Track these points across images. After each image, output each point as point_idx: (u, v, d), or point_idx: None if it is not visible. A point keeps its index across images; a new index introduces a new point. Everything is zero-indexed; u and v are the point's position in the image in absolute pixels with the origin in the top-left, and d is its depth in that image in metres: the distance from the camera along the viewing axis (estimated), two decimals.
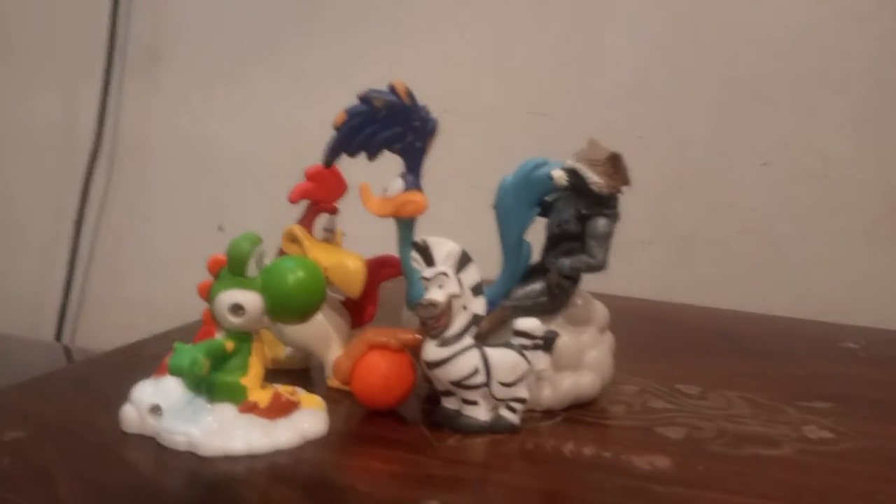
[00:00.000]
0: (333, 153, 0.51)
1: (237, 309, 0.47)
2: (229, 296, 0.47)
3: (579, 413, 0.53)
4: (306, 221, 0.56)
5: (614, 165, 0.49)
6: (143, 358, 0.62)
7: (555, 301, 0.53)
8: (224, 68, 1.15)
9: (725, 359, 0.65)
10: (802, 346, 0.69)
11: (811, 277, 0.90)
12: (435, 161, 1.08)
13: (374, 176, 0.54)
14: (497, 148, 1.01)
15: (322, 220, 0.56)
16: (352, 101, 1.12)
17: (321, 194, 0.55)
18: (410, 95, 0.51)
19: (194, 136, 1.20)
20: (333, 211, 0.56)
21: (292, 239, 0.55)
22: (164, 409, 0.48)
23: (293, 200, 0.55)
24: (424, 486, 0.43)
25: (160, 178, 1.23)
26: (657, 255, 0.94)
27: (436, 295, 0.48)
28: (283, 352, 0.59)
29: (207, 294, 0.48)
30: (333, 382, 0.56)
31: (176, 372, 0.45)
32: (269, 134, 1.15)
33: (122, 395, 0.52)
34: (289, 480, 0.43)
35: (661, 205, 0.95)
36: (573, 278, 0.52)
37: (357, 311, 0.57)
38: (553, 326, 0.52)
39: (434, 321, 0.48)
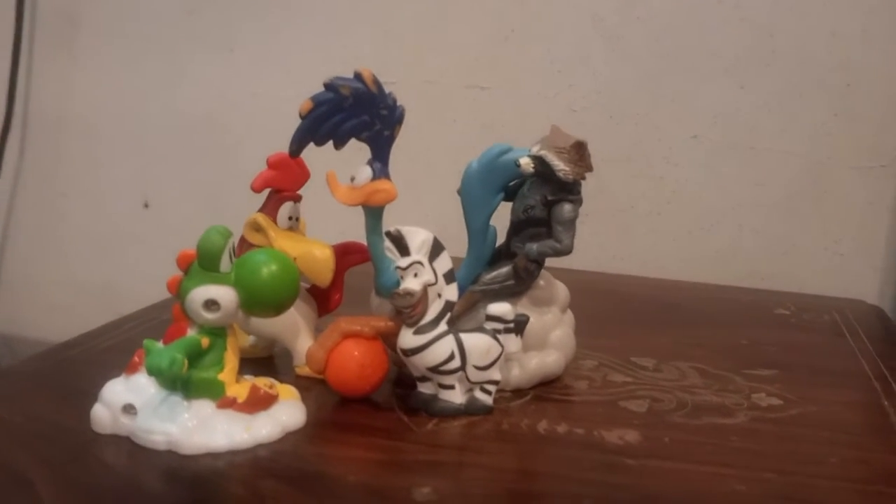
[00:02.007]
0: (300, 142, 0.50)
1: (211, 304, 0.46)
2: (202, 291, 0.46)
3: (546, 391, 0.55)
4: (269, 210, 0.55)
5: (579, 153, 0.51)
6: (97, 351, 0.61)
7: (521, 284, 0.54)
8: (149, 37, 1.10)
9: (672, 329, 0.69)
10: (740, 314, 0.74)
11: (738, 245, 0.95)
12: None
13: (335, 162, 0.54)
14: (436, 121, 1.01)
15: (286, 209, 0.55)
16: (283, 75, 1.10)
17: (284, 182, 0.55)
18: (377, 83, 0.51)
19: (117, 109, 1.14)
20: (297, 199, 0.56)
21: (256, 228, 0.54)
22: (139, 407, 0.47)
23: (257, 189, 0.54)
24: (411, 473, 0.44)
25: (80, 154, 1.18)
26: (596, 228, 0.97)
27: (411, 284, 0.48)
28: (247, 340, 0.58)
29: (178, 290, 0.47)
30: (303, 370, 0.56)
31: (155, 372, 0.44)
32: (198, 108, 1.12)
33: (86, 393, 0.51)
34: (276, 474, 0.43)
35: (597, 178, 0.98)
36: (538, 262, 0.54)
37: (323, 299, 0.57)
38: (518, 308, 0.53)
39: (410, 310, 0.49)
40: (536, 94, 0.99)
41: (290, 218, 0.55)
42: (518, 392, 0.54)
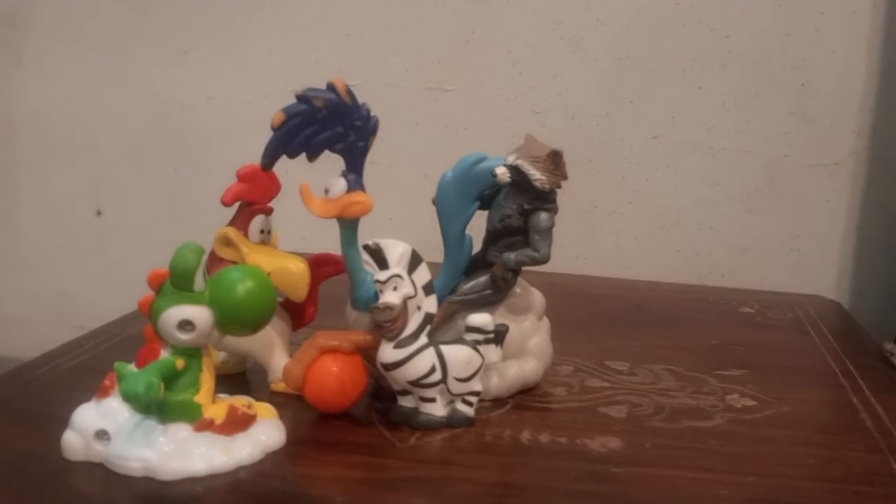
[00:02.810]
0: (272, 155, 0.49)
1: (186, 325, 0.45)
2: (176, 312, 0.45)
3: (525, 399, 0.55)
4: (240, 223, 0.54)
5: (555, 161, 0.51)
6: (61, 371, 0.59)
7: (498, 293, 0.54)
8: (100, 39, 1.07)
9: (642, 331, 0.69)
10: (707, 314, 0.75)
11: (697, 243, 0.97)
12: None
13: (302, 172, 0.53)
14: (397, 124, 1.00)
15: (258, 222, 0.54)
16: (241, 77, 1.08)
17: (256, 195, 0.53)
18: (350, 94, 0.50)
19: (65, 113, 1.11)
20: (268, 212, 0.54)
21: (227, 243, 0.53)
22: (112, 433, 0.45)
23: (227, 203, 0.53)
24: (397, 491, 0.43)
25: (27, 162, 1.14)
26: (559, 228, 0.97)
27: (391, 297, 0.48)
28: (217, 357, 0.57)
29: (149, 310, 0.46)
30: (278, 386, 0.55)
31: (131, 398, 0.43)
32: (152, 112, 1.09)
33: (54, 418, 0.50)
34: (260, 498, 0.42)
35: None
36: (516, 271, 0.54)
37: (298, 313, 0.56)
38: (495, 316, 0.53)
39: (390, 324, 0.48)
40: (498, 97, 0.99)
41: (262, 231, 0.54)
42: (497, 401, 0.54)
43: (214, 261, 0.54)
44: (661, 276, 0.93)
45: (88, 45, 1.07)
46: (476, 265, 0.55)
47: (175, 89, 1.07)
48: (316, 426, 0.51)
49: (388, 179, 0.92)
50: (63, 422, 0.48)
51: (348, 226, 0.52)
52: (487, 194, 0.54)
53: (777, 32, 0.91)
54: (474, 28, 0.97)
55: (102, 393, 0.47)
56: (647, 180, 0.98)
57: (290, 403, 0.52)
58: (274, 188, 0.54)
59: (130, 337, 0.66)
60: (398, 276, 0.48)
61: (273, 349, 0.54)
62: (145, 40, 1.06)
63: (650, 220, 0.98)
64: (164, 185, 1.12)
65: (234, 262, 0.53)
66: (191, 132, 1.10)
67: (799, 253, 0.95)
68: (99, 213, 1.16)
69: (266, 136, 1.09)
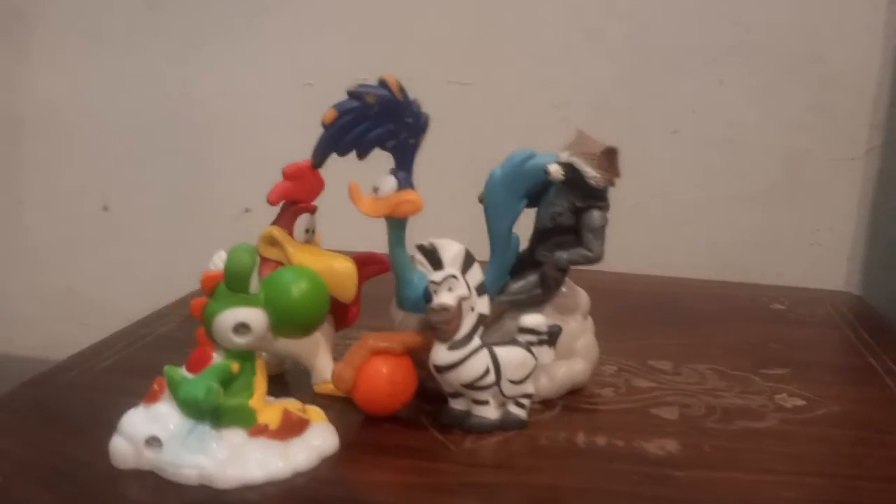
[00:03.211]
0: (323, 153, 0.48)
1: (241, 328, 0.44)
2: (232, 315, 0.44)
3: (575, 400, 0.54)
4: (285, 222, 0.52)
5: (609, 159, 0.50)
6: (95, 373, 0.58)
7: (547, 293, 0.53)
8: (109, 32, 1.05)
9: (678, 329, 0.69)
10: (739, 311, 0.75)
11: (716, 238, 0.96)
12: None
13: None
14: None
15: (303, 221, 0.53)
16: (253, 72, 1.06)
17: (301, 193, 0.52)
18: (402, 90, 0.49)
19: (73, 108, 1.09)
20: (313, 210, 0.53)
21: (272, 242, 0.52)
22: (164, 440, 0.44)
23: (274, 202, 0.52)
24: (457, 497, 0.43)
25: (33, 157, 1.12)
26: None
27: (447, 299, 0.47)
28: None
29: (202, 313, 0.45)
30: (322, 388, 0.54)
31: (192, 404, 0.42)
32: (161, 106, 1.07)
33: (95, 422, 0.49)
34: None
35: None
36: (565, 270, 0.53)
37: (341, 313, 0.55)
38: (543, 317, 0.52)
39: (445, 325, 0.47)
40: (517, 91, 0.98)
41: (306, 231, 0.53)
42: (547, 403, 0.53)
43: (259, 261, 0.52)
44: (681, 271, 0.93)
45: (97, 39, 1.05)
46: (522, 264, 0.54)
47: (185, 84, 1.05)
48: (366, 429, 0.50)
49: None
50: (106, 426, 0.47)
51: (397, 225, 0.51)
52: (535, 192, 0.53)
53: (798, 26, 0.91)
54: (493, 21, 0.96)
55: (151, 398, 0.46)
56: (667, 174, 0.97)
57: (336, 406, 0.51)
58: (318, 186, 0.53)
59: (160, 337, 0.65)
60: (453, 276, 0.47)
61: (318, 350, 0.53)
62: (155, 34, 1.04)
63: (671, 215, 0.98)
64: (173, 180, 1.10)
65: (280, 262, 0.52)
66: (201, 127, 1.08)
67: (818, 247, 0.94)
68: (106, 209, 1.14)
69: (278, 131, 1.08)
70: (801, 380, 0.58)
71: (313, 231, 0.54)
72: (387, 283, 0.55)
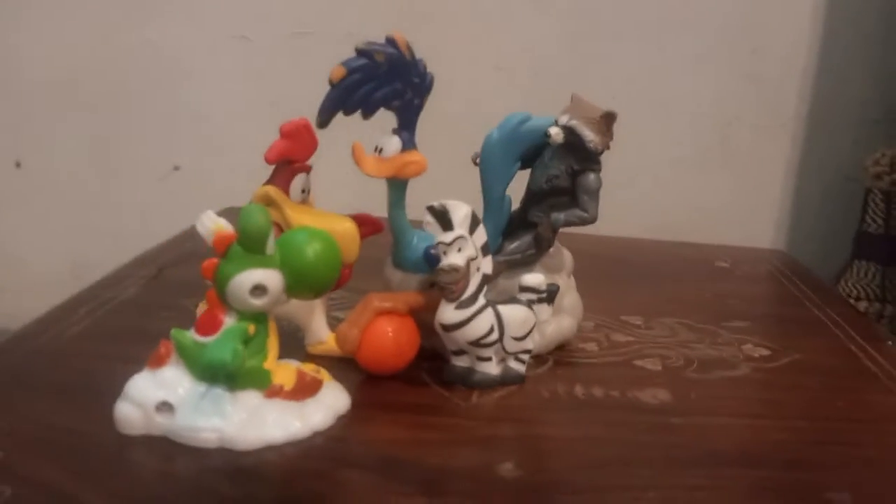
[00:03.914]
0: (330, 111, 0.47)
1: (258, 290, 0.43)
2: (249, 276, 0.43)
3: (563, 355, 0.56)
4: (281, 182, 0.51)
5: (607, 123, 0.52)
6: (66, 339, 0.55)
7: (540, 253, 0.55)
8: None
9: (641, 286, 0.72)
10: (689, 269, 0.79)
11: (654, 200, 1.01)
12: (287, 86, 1.03)
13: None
14: None
15: (299, 181, 0.51)
16: (185, 21, 1.01)
17: (298, 152, 0.51)
18: (410, 49, 0.48)
19: None
20: (308, 170, 0.52)
21: (268, 202, 0.50)
22: (175, 404, 0.43)
23: (272, 160, 0.50)
24: (483, 450, 0.44)
25: None
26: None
27: (457, 259, 0.47)
28: None
29: (215, 275, 0.43)
30: (317, 349, 0.54)
31: (219, 366, 0.41)
32: (80, 57, 1.01)
33: (85, 389, 0.48)
34: (351, 463, 0.41)
35: None
36: (555, 231, 0.55)
37: None
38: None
39: (454, 285, 0.48)
40: (462, 53, 0.98)
41: (302, 191, 0.52)
42: (538, 358, 0.55)
43: None
44: (618, 232, 0.97)
45: None
46: (514, 225, 0.55)
47: (107, 34, 1.00)
48: (372, 388, 0.50)
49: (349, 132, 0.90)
50: (97, 393, 0.46)
51: (398, 186, 0.51)
52: (528, 154, 0.54)
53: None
54: None
55: (157, 362, 0.44)
56: None
57: (333, 366, 0.51)
58: (313, 145, 0.52)
59: (126, 301, 0.62)
60: (463, 237, 0.48)
61: (313, 312, 0.53)
62: None
63: (608, 177, 1.00)
64: (92, 136, 1.04)
65: (276, 223, 0.50)
66: (124, 81, 1.02)
67: (745, 209, 1.01)
68: (18, 166, 1.07)
69: (210, 86, 1.04)
70: (761, 332, 0.62)
71: (308, 191, 0.53)
72: (376, 245, 0.54)
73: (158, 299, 0.63)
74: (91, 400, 0.46)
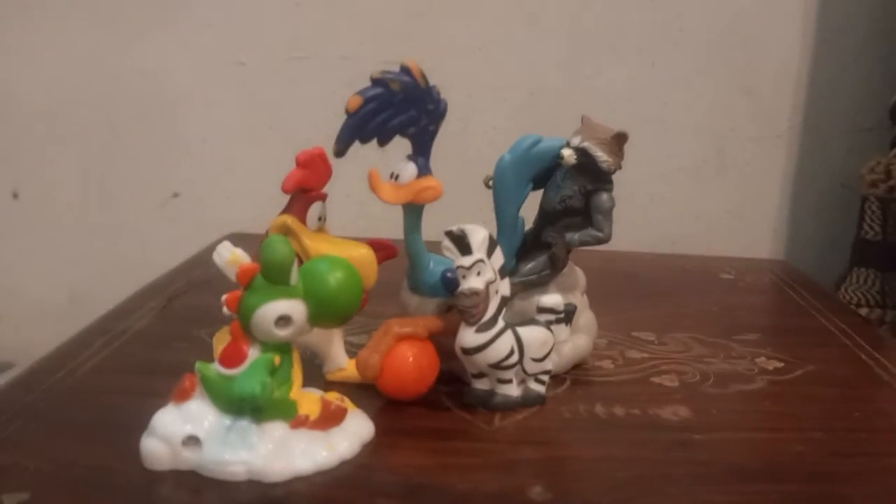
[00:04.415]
0: (347, 140, 0.47)
1: (283, 320, 0.43)
2: (273, 308, 0.43)
3: (580, 374, 0.56)
4: (298, 211, 0.51)
5: (619, 143, 0.52)
6: (81, 374, 0.55)
7: (554, 273, 0.55)
8: (15, 3, 0.97)
9: (649, 300, 0.73)
10: (694, 282, 0.80)
11: (652, 214, 1.01)
12: (283, 110, 1.03)
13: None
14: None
15: (316, 209, 0.52)
16: (177, 48, 1.01)
17: (313, 181, 0.51)
18: (424, 77, 0.49)
19: None
20: (323, 198, 0.52)
21: (285, 232, 0.51)
22: (202, 438, 0.43)
23: (289, 191, 0.50)
24: (511, 474, 0.44)
25: None
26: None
27: (476, 283, 0.48)
28: None
29: (239, 307, 0.44)
30: (335, 376, 0.54)
31: (248, 399, 0.41)
32: (77, 84, 1.00)
33: (107, 425, 0.48)
34: (383, 492, 0.42)
35: None
36: (568, 250, 0.55)
37: None
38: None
39: (474, 308, 0.48)
40: (457, 71, 0.99)
41: (319, 219, 0.52)
42: (556, 378, 0.55)
43: None
44: (618, 246, 0.97)
45: (5, 14, 0.97)
46: (528, 246, 0.56)
47: (104, 61, 0.99)
48: (393, 414, 0.50)
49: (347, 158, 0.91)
50: (121, 428, 0.46)
51: (415, 212, 0.51)
52: (540, 176, 0.55)
53: (726, 11, 0.96)
54: (428, 2, 0.96)
55: (182, 396, 0.44)
56: None
57: (352, 393, 0.51)
58: (328, 173, 0.52)
59: (139, 332, 0.62)
60: (482, 261, 0.48)
61: (332, 339, 0.53)
62: (71, 7, 0.98)
63: None
64: (90, 164, 1.04)
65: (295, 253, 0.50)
66: (122, 108, 1.02)
67: (743, 219, 1.02)
68: (16, 196, 1.07)
69: (208, 112, 1.04)
70: (772, 344, 0.63)
71: (324, 219, 0.53)
72: (390, 270, 0.55)
73: (171, 330, 0.63)
74: (114, 436, 0.46)
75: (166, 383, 0.45)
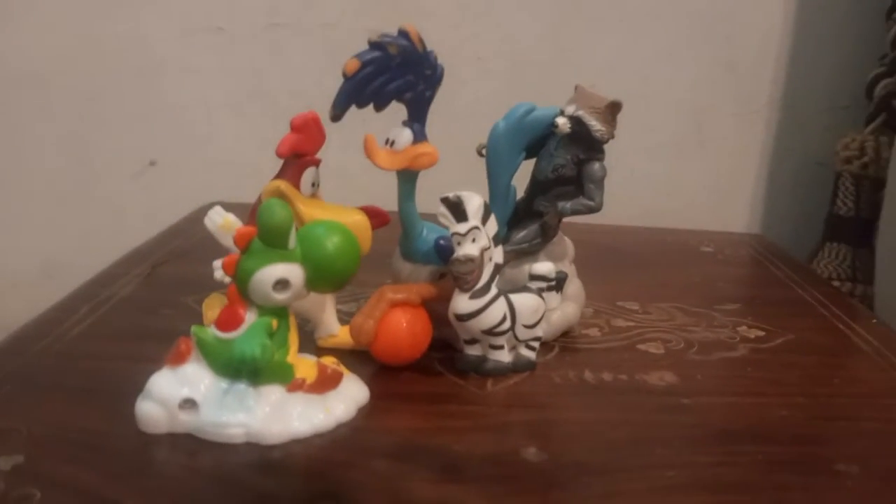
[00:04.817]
0: (344, 105, 0.47)
1: (282, 284, 0.43)
2: (272, 271, 0.43)
3: (568, 342, 0.57)
4: (291, 176, 0.51)
5: (612, 112, 0.53)
6: (69, 340, 0.54)
7: (545, 242, 0.56)
8: None
9: (631, 272, 0.74)
10: (673, 254, 0.81)
11: (632, 188, 1.02)
12: (262, 77, 1.01)
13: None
14: (334, 65, 0.97)
15: (309, 175, 0.51)
16: (153, 11, 0.99)
17: (308, 146, 0.51)
18: (422, 41, 0.49)
19: None
20: (317, 163, 0.52)
21: (278, 197, 0.50)
22: (199, 402, 0.43)
23: (284, 155, 0.50)
24: (505, 435, 0.45)
25: None
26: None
27: (471, 249, 0.48)
28: None
29: (236, 271, 0.43)
30: (326, 343, 0.54)
31: (249, 361, 0.41)
32: (51, 50, 0.98)
33: (98, 390, 0.47)
34: (383, 453, 0.42)
35: None
36: (560, 219, 0.56)
37: None
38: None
39: (469, 275, 0.48)
40: (442, 42, 0.98)
41: (312, 184, 0.52)
42: (545, 345, 0.56)
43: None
44: (598, 220, 0.98)
45: None
46: (519, 215, 0.56)
47: (78, 23, 0.97)
48: (387, 380, 0.50)
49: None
50: (111, 392, 0.46)
51: (409, 178, 0.51)
52: (532, 144, 0.55)
53: None
54: None
55: (178, 359, 0.44)
56: None
57: (344, 359, 0.51)
58: (321, 138, 0.52)
59: (125, 299, 0.62)
60: (477, 228, 0.48)
61: (325, 306, 0.53)
62: None
63: None
64: (62, 131, 1.02)
65: None
66: (96, 73, 1.00)
67: (720, 193, 1.03)
68: None
69: (181, 79, 1.03)
70: (752, 314, 0.64)
71: (318, 185, 0.53)
72: (379, 238, 0.55)
73: (157, 297, 0.62)
74: (106, 400, 0.46)
75: (156, 349, 0.45)
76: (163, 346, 0.45)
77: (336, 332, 0.54)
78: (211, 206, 0.52)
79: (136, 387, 0.44)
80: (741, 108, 1.00)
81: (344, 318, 0.55)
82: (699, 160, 1.02)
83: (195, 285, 0.63)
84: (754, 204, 1.04)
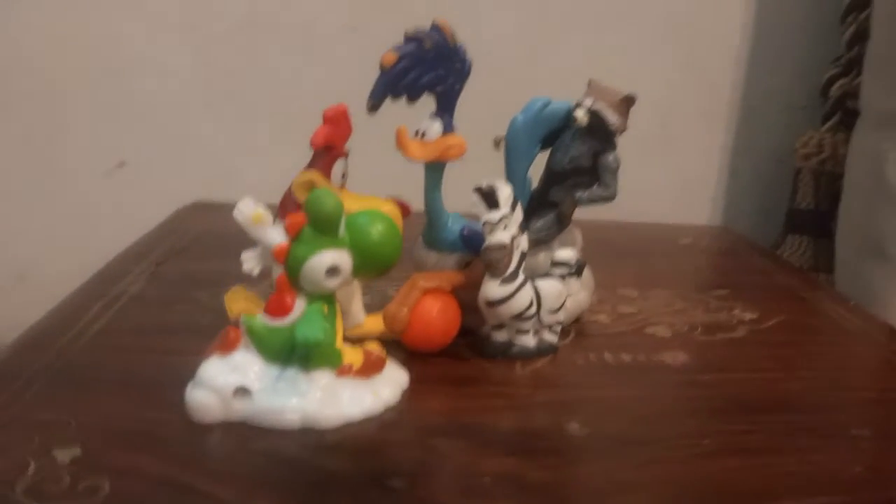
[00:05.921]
0: (381, 96, 0.48)
1: (333, 270, 0.44)
2: (323, 258, 0.44)
3: (581, 327, 0.60)
4: (323, 167, 0.52)
5: (627, 106, 0.56)
6: (92, 336, 0.54)
7: (559, 230, 0.58)
8: None
9: (623, 263, 0.77)
10: (657, 246, 0.85)
11: None
12: (243, 79, 1.01)
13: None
14: (310, 64, 0.97)
15: (340, 166, 0.52)
16: (124, 10, 0.98)
17: (338, 137, 0.52)
18: (453, 35, 0.50)
19: None
20: (346, 155, 0.53)
21: (309, 188, 0.51)
22: (251, 388, 0.44)
23: (318, 146, 0.51)
24: (549, 412, 0.47)
25: None
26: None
27: (503, 237, 0.50)
28: None
29: (287, 258, 0.44)
30: (353, 332, 0.55)
31: (313, 345, 0.42)
32: (16, 47, 0.96)
33: (138, 381, 0.47)
34: (440, 432, 0.43)
35: (477, 122, 1.03)
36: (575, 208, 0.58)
37: None
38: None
39: (499, 262, 0.50)
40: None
41: (342, 175, 0.53)
42: (561, 330, 0.58)
43: (290, 206, 0.52)
44: (576, 214, 1.02)
45: None
46: (535, 204, 0.58)
47: (46, 20, 0.95)
48: (420, 365, 0.51)
49: (301, 124, 0.91)
50: (152, 383, 0.47)
51: (436, 169, 0.53)
52: (548, 136, 0.57)
53: None
54: None
55: (227, 347, 0.44)
56: None
57: None
58: (349, 130, 0.53)
59: (137, 296, 0.61)
60: (508, 215, 0.50)
61: (353, 295, 0.54)
62: None
63: None
64: (28, 131, 0.99)
65: None
66: (65, 69, 0.98)
67: (684, 189, 1.08)
68: None
69: (152, 76, 1.02)
70: (742, 299, 0.68)
71: (347, 176, 0.54)
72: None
73: (168, 294, 0.62)
74: (146, 391, 0.46)
75: (183, 342, 0.46)
76: (190, 339, 0.45)
77: (362, 321, 0.55)
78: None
79: (174, 377, 0.44)
80: (704, 107, 1.05)
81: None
82: (664, 157, 1.06)
83: (203, 281, 0.63)
84: (716, 198, 1.09)
